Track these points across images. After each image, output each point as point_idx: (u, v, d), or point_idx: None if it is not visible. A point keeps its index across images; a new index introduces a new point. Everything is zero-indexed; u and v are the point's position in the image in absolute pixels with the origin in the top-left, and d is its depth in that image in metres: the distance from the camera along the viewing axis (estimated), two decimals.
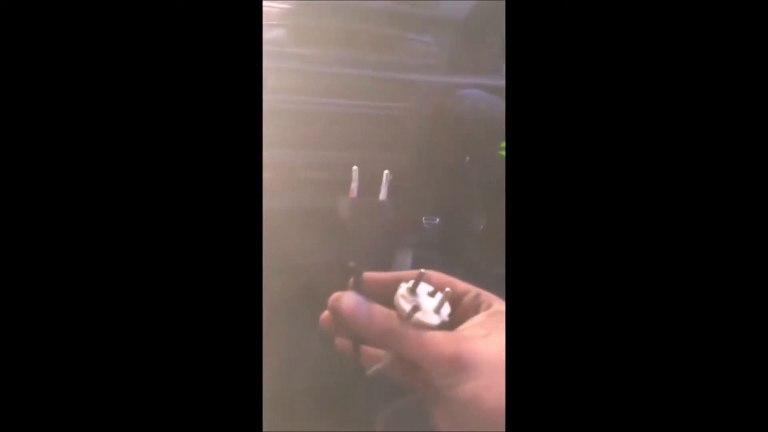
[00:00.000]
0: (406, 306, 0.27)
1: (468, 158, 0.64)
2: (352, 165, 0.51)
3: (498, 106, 0.60)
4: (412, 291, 0.28)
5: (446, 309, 0.28)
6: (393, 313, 0.27)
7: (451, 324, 0.28)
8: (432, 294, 0.28)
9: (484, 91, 0.61)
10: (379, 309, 0.27)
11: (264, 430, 0.26)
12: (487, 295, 0.29)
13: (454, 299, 0.29)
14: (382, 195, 0.35)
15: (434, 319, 0.27)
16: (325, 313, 0.29)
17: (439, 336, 0.25)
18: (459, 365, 0.24)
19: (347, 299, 0.27)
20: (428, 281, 0.29)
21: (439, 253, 0.63)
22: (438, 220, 0.61)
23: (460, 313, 0.29)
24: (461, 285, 0.30)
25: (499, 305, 0.28)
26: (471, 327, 0.27)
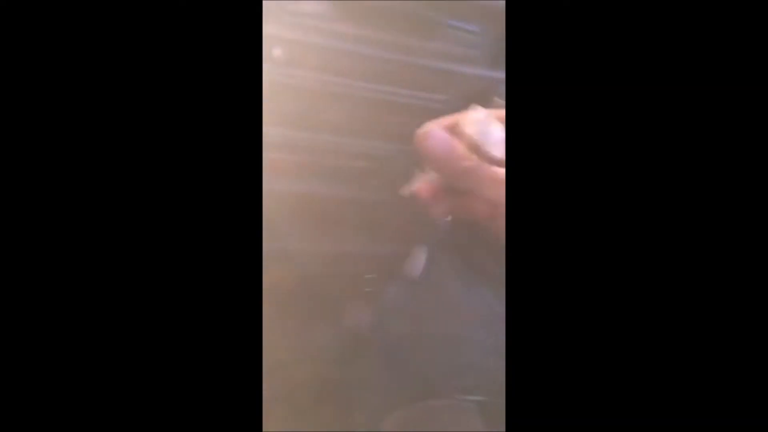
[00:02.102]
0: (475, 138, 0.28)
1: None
2: (379, 155, 0.48)
3: None
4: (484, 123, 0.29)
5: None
6: (471, 155, 0.28)
7: None
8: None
9: None
10: (459, 146, 0.29)
11: (264, 430, 0.26)
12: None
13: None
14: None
15: (503, 151, 0.28)
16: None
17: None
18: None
19: (434, 136, 0.29)
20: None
21: (449, 251, 0.60)
22: (450, 217, 0.58)
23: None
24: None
25: None
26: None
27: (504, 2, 0.62)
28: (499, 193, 0.27)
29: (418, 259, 0.58)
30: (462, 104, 0.62)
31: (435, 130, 0.30)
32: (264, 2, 0.46)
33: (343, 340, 0.54)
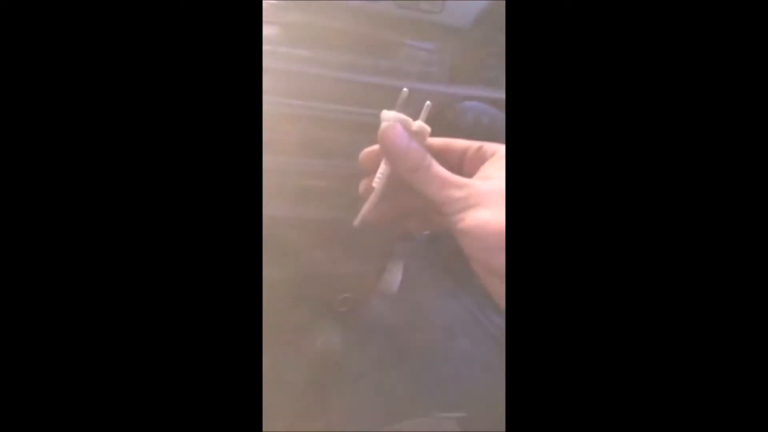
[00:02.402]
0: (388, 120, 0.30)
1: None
2: (341, 173, 0.47)
3: (501, 120, 0.57)
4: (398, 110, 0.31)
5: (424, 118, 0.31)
6: (428, 155, 0.30)
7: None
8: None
9: (486, 103, 0.58)
10: (416, 147, 0.30)
11: (264, 430, 0.27)
12: (489, 145, 0.32)
13: (458, 156, 0.32)
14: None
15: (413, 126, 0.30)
16: (365, 151, 0.33)
17: (456, 179, 0.29)
18: (469, 201, 0.28)
19: (394, 130, 0.30)
20: (429, 146, 0.32)
21: (428, 264, 0.60)
22: (428, 231, 0.58)
23: (468, 167, 0.32)
24: (462, 142, 0.33)
25: (502, 151, 0.31)
26: (480, 176, 0.31)
27: (452, 20, 0.64)
28: (442, 192, 0.29)
29: (395, 275, 0.58)
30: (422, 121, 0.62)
31: (396, 125, 0.31)
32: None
33: (316, 365, 0.53)
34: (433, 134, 0.32)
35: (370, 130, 0.56)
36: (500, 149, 0.31)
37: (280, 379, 0.52)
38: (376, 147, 0.33)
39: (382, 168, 0.32)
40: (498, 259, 0.27)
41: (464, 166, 0.32)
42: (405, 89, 0.31)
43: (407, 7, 0.56)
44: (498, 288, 0.27)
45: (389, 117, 0.31)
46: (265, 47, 0.50)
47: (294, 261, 0.53)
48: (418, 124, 0.30)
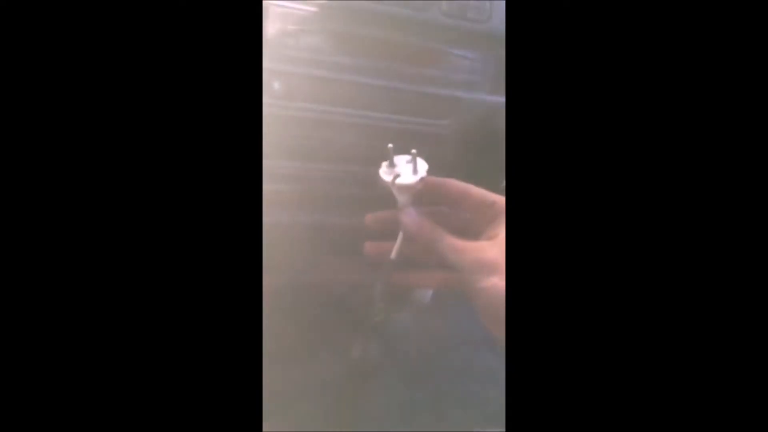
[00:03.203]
0: (388, 177, 0.34)
1: (504, 183, 0.60)
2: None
3: None
4: (390, 164, 0.35)
5: (423, 166, 0.35)
6: (437, 228, 0.34)
7: (474, 232, 0.35)
8: (410, 162, 0.35)
9: None
10: (427, 223, 0.34)
11: (264, 430, 0.27)
12: (502, 202, 0.35)
13: (473, 206, 0.36)
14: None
15: (413, 179, 0.34)
16: (369, 244, 0.38)
17: (468, 245, 0.32)
18: (481, 266, 0.31)
19: (408, 215, 0.35)
20: (446, 191, 0.36)
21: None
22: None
23: (480, 221, 0.35)
24: (478, 194, 0.36)
25: None
26: (490, 234, 0.33)
27: (504, 30, 0.63)
28: (456, 258, 0.32)
29: (425, 294, 0.57)
30: (465, 129, 0.62)
31: (410, 210, 0.35)
32: (265, 41, 0.47)
33: (352, 373, 0.52)
34: (478, 143, 0.35)
35: (413, 138, 0.56)
36: None
37: (316, 383, 0.52)
38: (381, 213, 0.37)
39: (398, 242, 0.36)
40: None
41: (477, 217, 0.35)
42: (390, 145, 0.35)
43: (453, 15, 0.55)
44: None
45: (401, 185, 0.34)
46: (308, 56, 0.50)
47: (324, 268, 0.53)
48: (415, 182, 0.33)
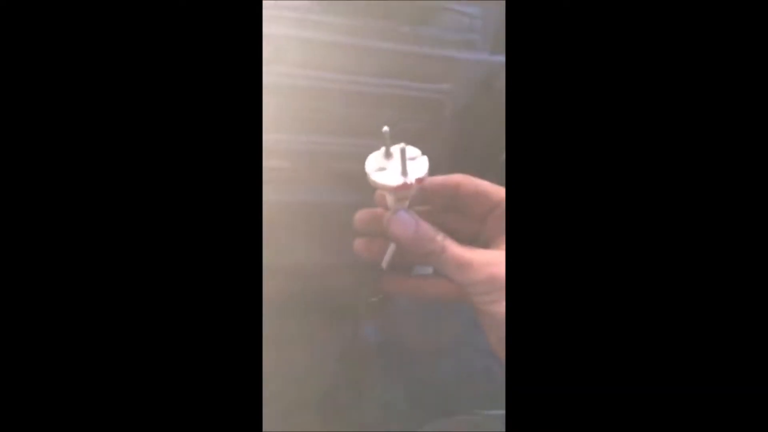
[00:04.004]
0: (371, 166, 0.27)
1: (503, 156, 0.56)
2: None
3: None
4: (386, 154, 0.27)
5: (418, 171, 0.27)
6: (437, 236, 0.27)
7: (485, 239, 0.29)
8: (411, 158, 0.27)
9: None
10: (424, 231, 0.27)
11: (264, 430, 0.26)
12: None
13: (486, 209, 0.29)
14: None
15: (395, 180, 0.26)
16: (359, 242, 0.31)
17: (477, 258, 0.27)
18: (494, 285, 0.26)
19: (399, 221, 0.27)
20: (454, 192, 0.29)
21: None
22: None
23: (493, 226, 0.29)
24: (494, 194, 0.29)
25: None
26: (503, 244, 0.28)
27: None
28: (462, 276, 0.27)
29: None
30: (464, 92, 0.58)
31: (401, 214, 0.28)
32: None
33: (351, 354, 0.50)
34: (480, 107, 0.30)
35: (407, 105, 0.52)
36: None
37: (314, 366, 0.50)
38: (372, 210, 0.30)
39: (390, 251, 0.29)
40: None
41: (490, 221, 0.29)
42: (385, 128, 0.27)
43: None
44: None
45: (383, 183, 0.27)
46: (292, 15, 0.46)
47: (325, 246, 0.50)
48: (410, 182, 0.26)
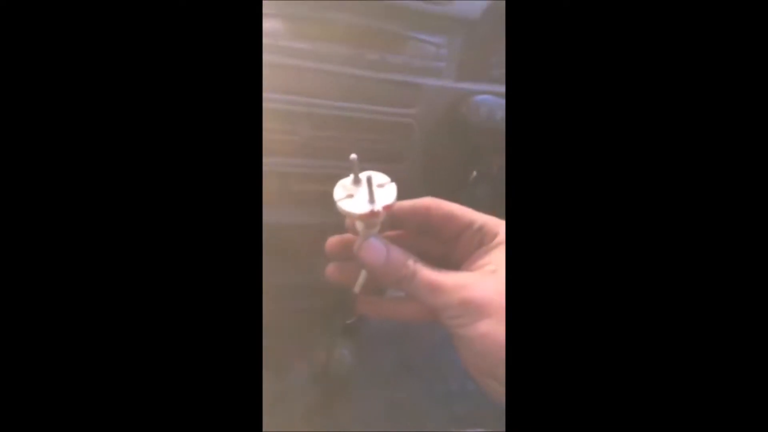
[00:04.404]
0: (339, 194, 0.27)
1: (475, 173, 0.58)
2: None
3: None
4: (355, 181, 0.28)
5: (386, 199, 0.27)
6: (408, 261, 0.27)
7: (456, 261, 0.29)
8: (379, 185, 0.28)
9: (499, 98, 0.55)
10: (395, 257, 0.27)
11: (264, 430, 0.26)
12: (490, 226, 0.29)
13: (457, 231, 0.29)
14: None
15: (363, 208, 0.26)
16: (331, 267, 0.30)
17: (449, 282, 0.26)
18: (467, 308, 0.26)
19: (370, 248, 0.27)
20: (423, 217, 0.29)
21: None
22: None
23: (464, 248, 0.29)
24: (464, 217, 0.30)
25: (503, 234, 0.28)
26: (477, 264, 0.28)
27: (467, 13, 0.61)
28: (435, 300, 0.27)
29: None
30: (432, 117, 0.59)
31: (372, 241, 0.28)
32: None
33: (326, 378, 0.49)
34: (446, 132, 0.30)
35: (377, 128, 0.53)
36: (501, 232, 0.28)
37: (287, 392, 0.49)
38: (343, 236, 0.30)
39: (363, 275, 0.30)
40: (499, 369, 0.25)
41: (461, 243, 0.30)
42: (353, 155, 0.27)
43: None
44: (496, 388, 0.26)
45: (348, 210, 0.27)
46: (264, 41, 0.46)
47: (296, 268, 0.50)
48: (378, 210, 0.26)
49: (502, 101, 0.54)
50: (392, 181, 0.28)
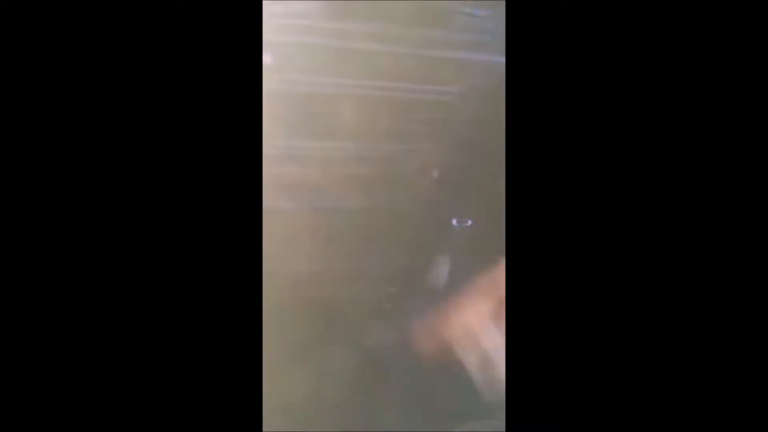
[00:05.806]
0: None
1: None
2: (390, 157, 0.44)
3: None
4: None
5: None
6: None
7: None
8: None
9: None
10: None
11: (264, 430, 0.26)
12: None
13: None
14: None
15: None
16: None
17: None
18: None
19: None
20: None
21: (474, 260, 0.55)
22: (470, 222, 0.54)
23: None
24: None
25: None
26: None
27: None
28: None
29: (441, 269, 0.54)
30: (477, 95, 0.57)
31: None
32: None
33: (363, 364, 0.49)
34: (490, 108, 0.30)
35: (419, 107, 0.52)
36: None
37: (323, 379, 0.50)
38: None
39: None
40: None
41: None
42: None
43: None
44: None
45: None
46: (300, 22, 0.46)
47: (333, 254, 0.50)
48: None
49: None
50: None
